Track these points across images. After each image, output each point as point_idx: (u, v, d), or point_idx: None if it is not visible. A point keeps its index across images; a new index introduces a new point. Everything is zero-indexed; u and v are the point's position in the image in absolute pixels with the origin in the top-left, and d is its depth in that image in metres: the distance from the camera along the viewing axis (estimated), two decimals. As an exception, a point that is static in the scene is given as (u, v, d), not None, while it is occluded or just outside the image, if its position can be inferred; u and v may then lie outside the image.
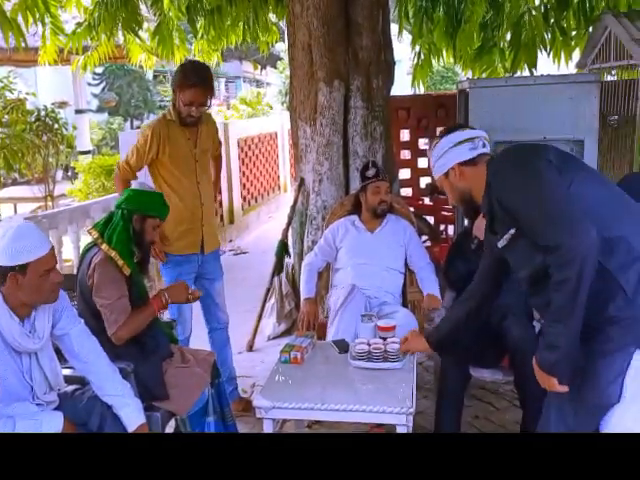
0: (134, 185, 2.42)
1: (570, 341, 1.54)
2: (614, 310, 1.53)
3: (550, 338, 1.57)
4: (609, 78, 4.31)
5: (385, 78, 3.91)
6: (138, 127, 15.33)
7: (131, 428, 1.92)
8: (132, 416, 1.93)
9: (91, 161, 8.46)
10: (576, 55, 5.22)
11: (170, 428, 2.27)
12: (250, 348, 3.87)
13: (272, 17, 6.37)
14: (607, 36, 4.07)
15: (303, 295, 3.09)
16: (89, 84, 15.37)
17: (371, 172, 3.11)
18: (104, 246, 2.18)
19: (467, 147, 1.82)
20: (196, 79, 2.62)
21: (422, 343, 2.26)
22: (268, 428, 2.13)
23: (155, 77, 18.52)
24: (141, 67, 6.91)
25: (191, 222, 2.77)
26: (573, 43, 5.19)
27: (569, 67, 5.46)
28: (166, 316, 2.79)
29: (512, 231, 1.64)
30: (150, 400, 2.15)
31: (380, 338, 2.44)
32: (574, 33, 5.15)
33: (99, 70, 15.82)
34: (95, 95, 16.65)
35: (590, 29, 4.69)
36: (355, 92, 3.82)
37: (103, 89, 17.09)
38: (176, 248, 2.75)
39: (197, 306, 2.84)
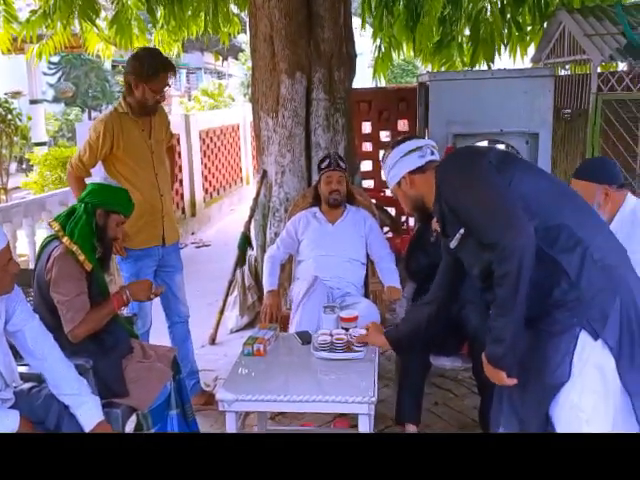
0: (99, 179, 2.37)
1: (514, 333, 1.61)
2: (559, 294, 1.60)
3: (496, 332, 1.65)
4: (563, 73, 4.44)
5: (347, 71, 3.92)
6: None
7: (88, 427, 1.88)
8: (89, 414, 1.88)
9: (47, 153, 8.22)
10: (531, 50, 5.36)
11: (132, 423, 2.24)
12: (212, 341, 3.84)
13: (233, 8, 6.30)
14: (561, 31, 4.19)
15: (266, 287, 3.09)
16: (44, 74, 14.90)
17: (325, 163, 3.17)
18: (65, 239, 2.12)
19: (416, 156, 1.89)
20: (166, 65, 2.63)
21: (381, 339, 2.24)
22: (231, 421, 2.12)
23: (114, 67, 18.09)
24: (99, 57, 6.74)
25: (151, 214, 2.73)
26: (528, 38, 5.32)
27: (525, 62, 5.59)
28: (126, 310, 2.75)
29: (461, 231, 1.72)
30: (110, 397, 2.12)
31: (342, 329, 2.46)
32: (529, 28, 5.28)
33: (55, 59, 15.36)
34: (51, 85, 16.17)
35: (545, 25, 4.82)
36: (317, 84, 3.82)
37: (59, 79, 16.60)
38: (137, 242, 2.71)
39: (157, 299, 2.81)
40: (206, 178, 7.65)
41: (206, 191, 7.64)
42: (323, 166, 3.16)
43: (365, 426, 2.09)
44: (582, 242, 1.59)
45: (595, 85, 3.50)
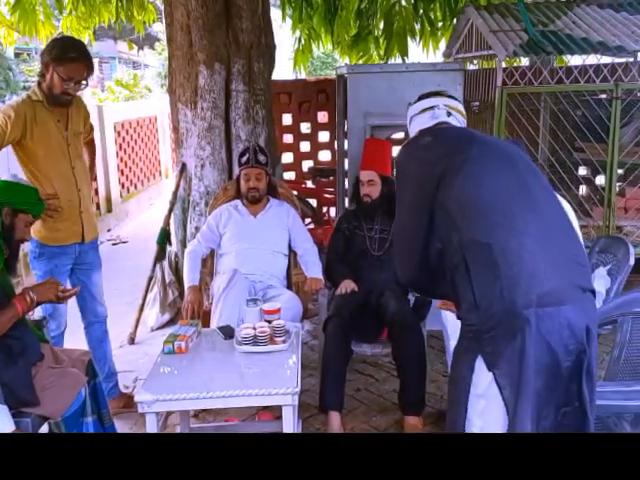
0: (6, 177, 2.21)
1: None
2: (465, 311, 1.58)
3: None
4: (471, 67, 4.63)
5: (266, 62, 3.89)
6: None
7: None
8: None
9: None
10: (443, 45, 5.56)
11: (43, 432, 2.13)
12: (132, 341, 3.72)
13: (147, -5, 6.09)
14: (469, 27, 4.35)
15: (187, 283, 3.03)
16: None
17: (244, 159, 3.11)
18: None
19: (428, 116, 1.84)
20: (78, 53, 2.45)
21: None
22: (151, 422, 2.07)
23: (18, 55, 17.02)
24: (0, 44, 6.30)
25: (69, 210, 2.59)
26: (440, 33, 5.50)
27: (437, 56, 5.79)
28: (37, 313, 2.60)
29: None
30: (19, 406, 2.00)
31: (265, 321, 2.46)
32: (440, 24, 5.45)
33: (-50, 45, 14.18)
34: (-54, 73, 14.94)
35: (455, 21, 5.00)
36: (236, 75, 3.77)
37: (-44, 67, 15.39)
38: (54, 239, 2.56)
39: (73, 299, 2.68)
40: (122, 172, 7.37)
41: (122, 186, 7.36)
42: (242, 161, 3.13)
43: (289, 416, 2.11)
44: (498, 269, 1.50)
45: (500, 79, 3.67)
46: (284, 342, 2.37)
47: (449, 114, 1.84)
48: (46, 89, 2.49)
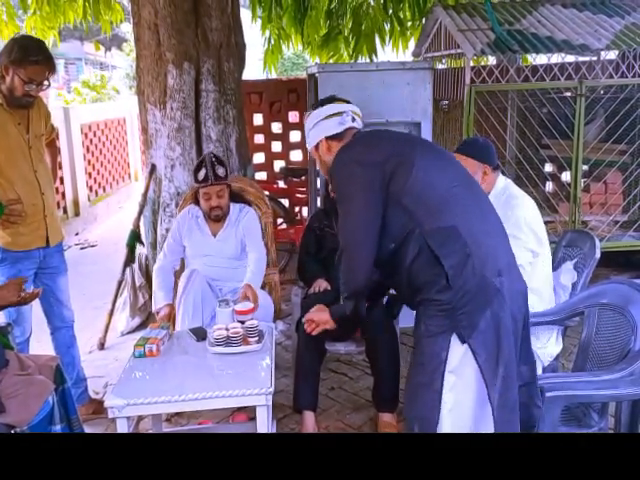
0: None
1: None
2: (436, 293, 1.64)
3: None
4: (440, 66, 4.68)
5: (236, 61, 3.87)
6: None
7: None
8: None
9: None
10: (412, 44, 5.61)
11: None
12: (102, 346, 3.64)
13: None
14: (438, 27, 4.40)
15: (159, 303, 2.83)
16: None
17: (201, 174, 2.83)
18: None
19: (335, 121, 1.87)
20: (39, 55, 2.38)
21: (325, 315, 2.14)
22: (122, 428, 2.02)
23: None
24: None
25: (33, 214, 2.52)
26: (409, 33, 5.56)
27: (407, 55, 5.84)
28: (1, 319, 2.53)
29: None
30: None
31: (238, 322, 2.44)
32: (410, 24, 5.51)
33: None
34: None
35: (424, 20, 5.05)
36: (206, 75, 3.73)
37: None
38: (17, 243, 2.49)
39: (38, 304, 2.62)
40: (90, 175, 7.24)
41: (90, 189, 7.23)
42: (199, 178, 2.84)
43: (263, 417, 2.09)
44: (466, 248, 1.62)
45: (469, 77, 3.72)
46: (257, 342, 2.34)
47: (353, 119, 1.90)
48: (6, 91, 2.42)
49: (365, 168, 1.73)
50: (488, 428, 1.65)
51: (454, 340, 1.63)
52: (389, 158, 1.71)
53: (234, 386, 2.06)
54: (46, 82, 2.47)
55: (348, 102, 1.98)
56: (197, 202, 3.01)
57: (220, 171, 2.85)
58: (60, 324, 2.73)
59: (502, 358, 1.62)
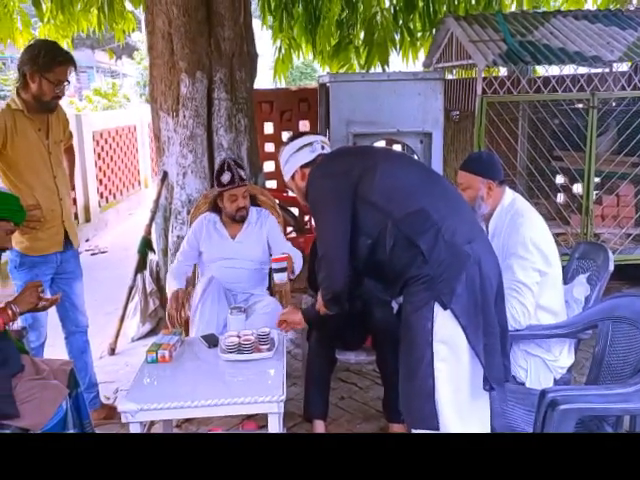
0: None
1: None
2: (415, 270, 1.81)
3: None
4: (450, 77, 4.70)
5: (248, 70, 3.90)
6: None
7: None
8: None
9: None
10: (422, 55, 5.63)
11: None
12: (112, 352, 3.66)
13: (127, 5, 6.05)
14: (449, 37, 4.42)
15: (173, 287, 2.89)
16: None
17: (226, 177, 2.91)
18: None
19: (307, 151, 2.09)
20: (63, 54, 2.46)
21: (297, 315, 2.41)
22: (135, 432, 2.04)
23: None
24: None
25: (51, 220, 2.55)
26: (419, 44, 5.58)
27: (416, 66, 5.87)
28: (17, 324, 2.55)
29: None
30: (-1, 414, 1.95)
31: (274, 270, 2.63)
32: (420, 34, 5.54)
33: None
34: None
35: (434, 31, 5.08)
36: (218, 84, 3.76)
37: None
38: (36, 248, 2.52)
39: (53, 309, 2.63)
40: (101, 182, 7.29)
41: (101, 195, 7.28)
42: (224, 182, 2.91)
43: (275, 425, 2.09)
44: (436, 224, 1.80)
45: (480, 88, 3.73)
46: (269, 350, 2.35)
47: (322, 147, 2.12)
48: (30, 97, 2.46)
49: (334, 179, 1.93)
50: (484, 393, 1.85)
51: (437, 308, 1.78)
52: (354, 166, 1.92)
53: (246, 393, 2.06)
54: (66, 83, 2.53)
55: (315, 133, 2.27)
56: (213, 209, 3.07)
57: (242, 173, 2.97)
58: (74, 329, 2.75)
59: (482, 317, 1.79)
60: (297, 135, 2.19)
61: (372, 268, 1.97)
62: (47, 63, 2.41)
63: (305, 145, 2.10)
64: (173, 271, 3.03)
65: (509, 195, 2.45)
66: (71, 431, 2.16)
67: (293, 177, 2.12)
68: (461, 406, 1.83)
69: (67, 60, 2.48)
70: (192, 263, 3.11)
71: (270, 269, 2.99)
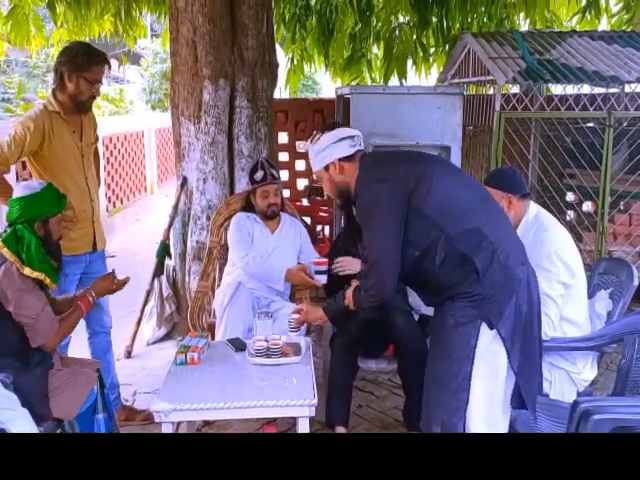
0: (19, 192, 2.16)
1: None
2: (466, 286, 1.81)
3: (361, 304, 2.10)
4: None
5: (269, 79, 3.94)
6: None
7: None
8: (24, 429, 1.75)
9: None
10: (434, 70, 5.72)
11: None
12: (128, 354, 3.66)
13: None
14: (466, 53, 4.49)
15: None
16: None
17: (259, 175, 3.05)
18: (28, 271, 2.04)
19: (347, 144, 2.00)
20: (99, 54, 2.54)
21: (319, 312, 2.34)
22: (167, 432, 2.05)
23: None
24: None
25: (83, 220, 2.60)
26: (432, 59, 5.66)
27: (429, 81, 5.94)
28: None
29: None
30: (33, 414, 1.97)
31: (316, 272, 2.72)
32: (433, 50, 5.62)
33: None
34: None
35: (447, 47, 5.16)
36: (240, 92, 3.80)
37: None
38: (67, 248, 2.53)
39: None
40: (109, 186, 7.30)
41: (109, 200, 7.28)
42: (258, 179, 3.06)
43: (305, 429, 2.11)
44: (492, 245, 1.80)
45: (499, 104, 3.79)
46: (296, 355, 2.37)
47: (361, 144, 2.05)
48: (67, 99, 2.50)
49: (390, 184, 1.87)
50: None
51: (483, 327, 1.79)
52: (409, 173, 1.88)
53: (278, 396, 2.08)
54: (100, 82, 2.61)
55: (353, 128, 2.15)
56: (244, 208, 3.17)
57: (274, 172, 3.09)
58: (99, 329, 2.77)
59: (524, 340, 1.82)
60: (334, 124, 2.10)
61: (415, 279, 1.98)
62: (84, 63, 2.48)
63: (347, 137, 2.00)
64: (260, 267, 2.93)
65: (533, 209, 2.48)
66: (100, 415, 2.22)
67: (327, 168, 2.03)
68: (491, 422, 1.87)
69: (103, 60, 2.56)
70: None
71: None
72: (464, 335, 1.81)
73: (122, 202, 7.78)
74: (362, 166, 1.97)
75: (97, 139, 2.91)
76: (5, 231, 2.12)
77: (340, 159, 2.00)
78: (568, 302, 2.39)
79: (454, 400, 1.83)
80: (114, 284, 2.35)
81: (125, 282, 2.41)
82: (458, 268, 1.81)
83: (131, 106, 12.65)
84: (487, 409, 1.85)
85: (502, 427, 1.92)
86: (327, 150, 2.00)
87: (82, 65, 2.47)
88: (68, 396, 2.05)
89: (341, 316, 2.38)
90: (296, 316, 2.44)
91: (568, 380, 2.41)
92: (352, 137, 2.01)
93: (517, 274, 1.82)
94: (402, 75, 4.93)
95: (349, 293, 2.14)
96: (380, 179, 1.91)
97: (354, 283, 2.16)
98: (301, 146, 5.42)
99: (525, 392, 1.87)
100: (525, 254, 1.93)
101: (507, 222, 1.99)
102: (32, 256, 2.05)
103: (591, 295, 2.63)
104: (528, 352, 1.85)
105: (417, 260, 1.87)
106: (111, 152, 7.39)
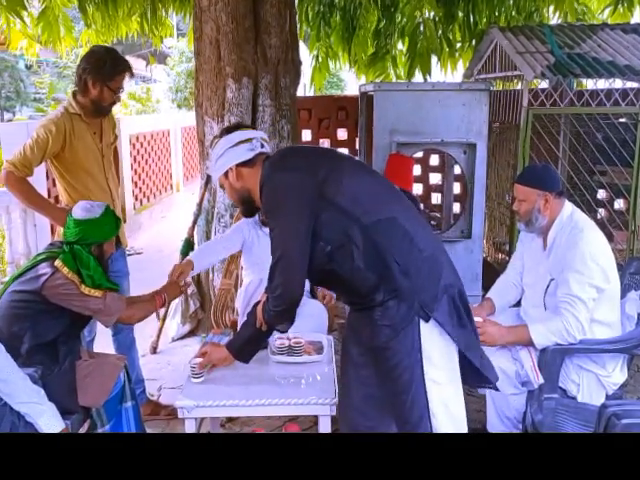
0: (79, 213, 2.20)
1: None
2: (392, 282, 1.70)
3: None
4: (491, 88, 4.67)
5: (293, 78, 3.94)
6: (10, 120, 14.12)
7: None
8: (51, 423, 1.79)
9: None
10: (460, 66, 5.63)
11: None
12: (154, 350, 3.71)
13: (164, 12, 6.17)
14: (493, 48, 4.41)
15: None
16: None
17: None
18: (86, 290, 2.11)
19: (245, 148, 1.86)
20: (123, 63, 2.59)
21: (222, 352, 2.13)
22: (190, 428, 2.07)
23: (29, 67, 17.18)
24: (15, 56, 6.39)
25: None
26: (457, 55, 5.58)
27: (454, 77, 5.86)
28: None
29: None
30: (60, 409, 2.01)
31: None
32: (459, 45, 5.53)
33: (-36, 56, 14.35)
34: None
35: (473, 42, 5.07)
36: (263, 90, 3.81)
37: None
38: None
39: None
40: (136, 184, 7.41)
41: (136, 197, 7.39)
42: None
43: (326, 427, 2.10)
44: (408, 233, 1.73)
45: (526, 100, 3.71)
46: (318, 353, 2.36)
47: (262, 145, 1.90)
48: (89, 103, 2.54)
49: (296, 173, 1.75)
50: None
51: (422, 324, 1.71)
52: (317, 170, 1.75)
53: (299, 394, 2.08)
54: (122, 88, 2.65)
55: (253, 128, 2.06)
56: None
57: None
58: (123, 325, 2.79)
59: (458, 319, 1.75)
60: (233, 127, 1.96)
61: (329, 277, 1.83)
62: (109, 73, 2.52)
63: (244, 141, 1.87)
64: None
65: (568, 208, 2.42)
66: (129, 403, 2.26)
67: (226, 175, 1.89)
68: (452, 409, 1.81)
69: (127, 68, 2.60)
70: (232, 246, 3.00)
71: None
72: (406, 339, 1.71)
73: (149, 200, 7.89)
74: (267, 165, 1.83)
75: (116, 138, 2.94)
76: (62, 250, 2.15)
77: (238, 165, 1.86)
78: (600, 305, 2.33)
79: (415, 411, 1.75)
80: (181, 288, 2.51)
81: (188, 285, 2.60)
82: (378, 262, 1.70)
83: (158, 105, 12.80)
84: (450, 400, 1.80)
85: (460, 410, 1.85)
86: (225, 155, 1.87)
87: (107, 75, 2.51)
88: (96, 383, 2.11)
89: (248, 348, 2.12)
90: (199, 360, 2.16)
91: (597, 383, 2.35)
92: (250, 140, 1.87)
93: (439, 258, 1.78)
94: (426, 71, 4.87)
95: (259, 308, 1.96)
96: (288, 168, 1.79)
97: (264, 297, 1.94)
98: (325, 144, 5.41)
99: (484, 369, 1.80)
100: (438, 240, 1.90)
101: (415, 210, 1.91)
102: (91, 274, 2.12)
103: (622, 295, 2.56)
104: (467, 327, 1.79)
105: (329, 256, 1.73)
106: (138, 150, 7.49)
